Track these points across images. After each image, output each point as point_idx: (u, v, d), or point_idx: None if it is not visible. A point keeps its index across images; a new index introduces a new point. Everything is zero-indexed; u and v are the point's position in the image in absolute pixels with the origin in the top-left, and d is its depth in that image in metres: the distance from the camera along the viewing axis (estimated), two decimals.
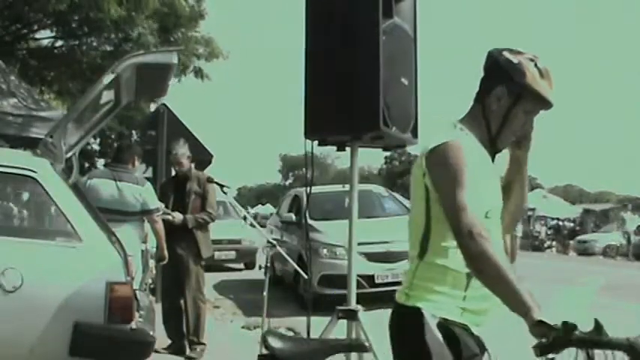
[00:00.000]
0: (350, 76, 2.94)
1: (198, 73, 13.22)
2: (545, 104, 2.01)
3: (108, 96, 4.51)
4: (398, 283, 8.83)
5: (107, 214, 4.52)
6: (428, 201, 1.95)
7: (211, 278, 10.44)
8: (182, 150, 5.79)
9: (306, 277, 6.34)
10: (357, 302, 3.21)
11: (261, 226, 6.32)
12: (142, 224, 5.36)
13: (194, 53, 12.90)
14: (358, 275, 3.52)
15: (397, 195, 11.56)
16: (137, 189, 5.16)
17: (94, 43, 13.36)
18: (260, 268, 5.31)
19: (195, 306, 5.79)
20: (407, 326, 1.96)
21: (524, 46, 2.03)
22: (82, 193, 4.35)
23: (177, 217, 5.67)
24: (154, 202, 5.26)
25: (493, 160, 2.08)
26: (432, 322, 1.90)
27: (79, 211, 3.73)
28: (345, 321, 3.18)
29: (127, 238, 4.21)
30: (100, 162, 14.74)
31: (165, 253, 5.45)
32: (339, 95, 2.96)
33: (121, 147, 5.62)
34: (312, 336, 3.80)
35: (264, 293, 4.89)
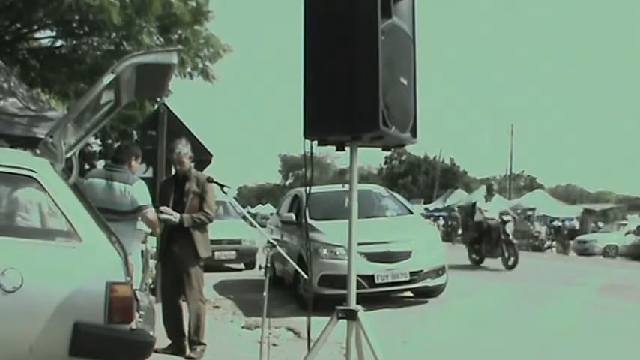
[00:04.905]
0: (349, 76, 2.94)
1: (203, 72, 13.19)
2: None
3: (108, 96, 4.52)
4: (398, 283, 8.93)
5: (103, 214, 4.52)
6: None
7: (211, 278, 10.45)
8: (185, 150, 5.81)
9: (306, 277, 6.34)
10: (357, 302, 3.21)
11: (261, 226, 6.31)
12: (138, 223, 5.37)
13: (197, 54, 12.88)
14: (358, 275, 3.52)
15: (397, 195, 11.56)
16: (125, 187, 5.19)
17: (95, 43, 13.36)
18: (260, 268, 5.31)
19: (195, 306, 5.79)
20: None
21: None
22: (82, 193, 4.35)
23: (175, 216, 5.69)
24: (143, 199, 5.25)
25: None
26: None
27: (79, 211, 3.73)
28: (345, 321, 3.18)
29: (123, 238, 4.20)
30: (100, 163, 14.74)
31: (159, 229, 5.54)
32: (339, 95, 2.96)
33: (119, 147, 5.67)
34: (312, 336, 3.80)
35: (264, 293, 4.90)
